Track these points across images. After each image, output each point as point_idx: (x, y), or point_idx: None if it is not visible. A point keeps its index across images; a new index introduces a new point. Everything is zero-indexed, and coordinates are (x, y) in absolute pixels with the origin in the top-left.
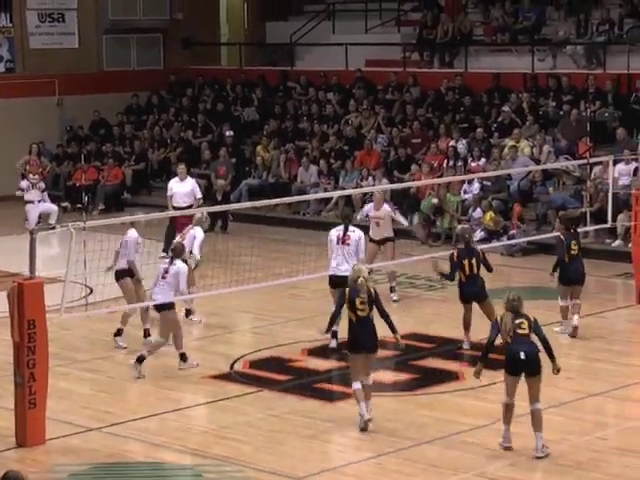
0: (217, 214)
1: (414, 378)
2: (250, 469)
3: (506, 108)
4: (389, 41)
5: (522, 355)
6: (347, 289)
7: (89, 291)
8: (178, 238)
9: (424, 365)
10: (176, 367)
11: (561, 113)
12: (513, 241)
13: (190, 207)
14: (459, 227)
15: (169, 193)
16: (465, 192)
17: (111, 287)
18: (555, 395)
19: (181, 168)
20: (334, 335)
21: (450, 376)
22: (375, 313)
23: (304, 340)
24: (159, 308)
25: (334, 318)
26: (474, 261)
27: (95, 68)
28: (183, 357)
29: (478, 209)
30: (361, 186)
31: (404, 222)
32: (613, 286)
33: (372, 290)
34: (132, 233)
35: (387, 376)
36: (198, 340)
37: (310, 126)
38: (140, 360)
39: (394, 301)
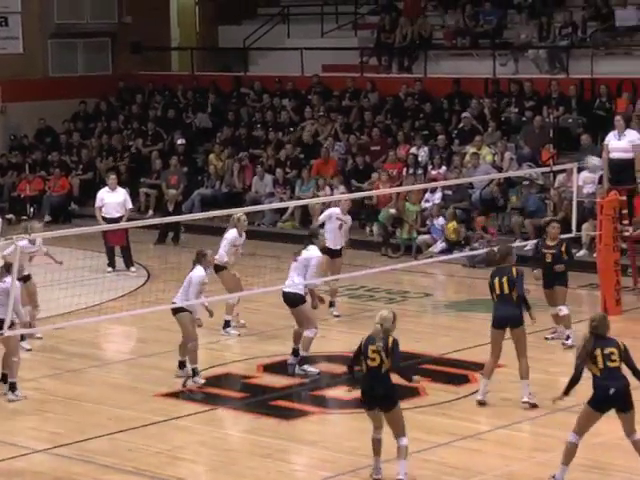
0: (169, 225)
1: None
2: None
3: (467, 114)
4: (346, 45)
5: (612, 391)
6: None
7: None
8: None
9: None
10: (127, 385)
11: (524, 119)
12: (475, 252)
13: (121, 218)
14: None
15: (99, 204)
16: (427, 201)
17: (61, 302)
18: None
19: (112, 178)
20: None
21: (410, 392)
22: None
23: (260, 356)
24: (175, 311)
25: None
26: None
27: (40, 74)
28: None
29: (440, 218)
30: (318, 196)
31: None
32: (579, 297)
33: (391, 340)
34: None
35: (347, 393)
36: (148, 357)
37: (265, 134)
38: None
39: (335, 316)
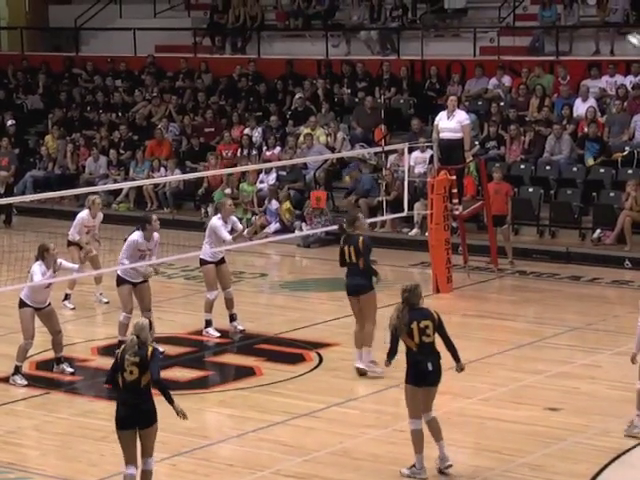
0: (0, 207)
1: (209, 375)
2: (37, 475)
3: (300, 95)
4: (179, 26)
5: (430, 366)
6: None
7: None
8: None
9: (220, 361)
10: None
11: (356, 100)
12: (309, 231)
13: None
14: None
15: None
16: (262, 182)
17: None
18: (353, 387)
19: None
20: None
21: (246, 372)
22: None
23: (95, 338)
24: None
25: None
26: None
27: None
28: None
29: (273, 201)
30: (153, 177)
31: None
32: (410, 275)
33: (150, 351)
34: None
35: (182, 374)
36: None
37: (97, 115)
38: None
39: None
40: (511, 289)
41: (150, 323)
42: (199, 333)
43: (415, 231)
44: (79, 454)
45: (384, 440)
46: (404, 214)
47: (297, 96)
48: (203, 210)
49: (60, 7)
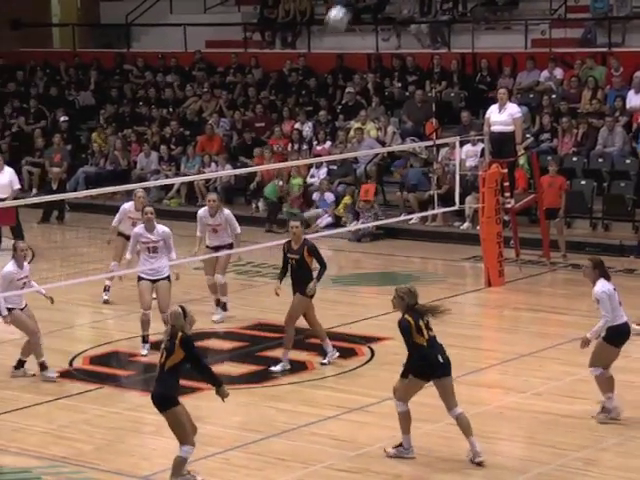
0: (53, 204)
1: (261, 370)
2: (90, 469)
3: (350, 89)
4: (229, 21)
5: (440, 358)
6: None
7: None
8: None
9: (271, 356)
10: (10, 365)
11: (406, 94)
12: (361, 225)
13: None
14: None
15: None
16: (312, 176)
17: None
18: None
19: None
20: None
21: (299, 366)
22: None
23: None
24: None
25: None
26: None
27: None
28: None
29: (328, 194)
30: (204, 172)
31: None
32: (462, 270)
33: (180, 337)
34: None
35: (234, 368)
36: None
37: (148, 111)
38: None
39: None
40: (564, 283)
41: (184, 311)
42: (252, 328)
43: (466, 225)
44: (131, 448)
45: (437, 434)
46: (455, 208)
47: (347, 90)
48: (254, 205)
49: (111, 4)
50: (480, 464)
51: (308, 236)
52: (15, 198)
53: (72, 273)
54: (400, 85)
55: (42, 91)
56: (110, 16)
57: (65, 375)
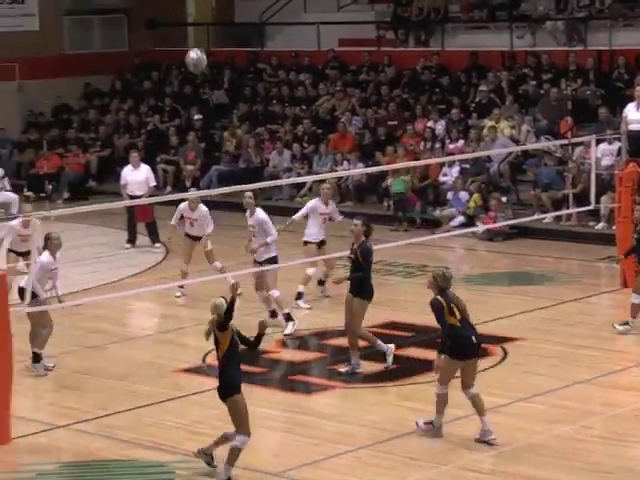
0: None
1: (394, 368)
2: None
3: (484, 87)
4: (362, 19)
5: (474, 339)
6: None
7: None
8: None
9: (404, 355)
10: (146, 361)
11: (541, 92)
12: (492, 225)
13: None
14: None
15: (122, 182)
16: (445, 175)
17: (78, 279)
18: (539, 383)
19: (133, 156)
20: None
21: (428, 366)
22: None
23: (279, 331)
24: None
25: None
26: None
27: (56, 51)
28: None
29: (462, 193)
30: (336, 170)
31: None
32: (597, 270)
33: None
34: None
35: (366, 367)
36: (167, 333)
37: (282, 109)
38: None
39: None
40: None
41: (228, 302)
42: (384, 327)
43: (602, 225)
44: (263, 444)
45: (571, 437)
46: (591, 207)
47: (481, 88)
48: (386, 203)
49: (246, 3)
50: (490, 443)
51: (437, 235)
52: (150, 195)
53: (204, 270)
54: (535, 83)
55: (177, 90)
56: (244, 15)
57: (197, 371)
